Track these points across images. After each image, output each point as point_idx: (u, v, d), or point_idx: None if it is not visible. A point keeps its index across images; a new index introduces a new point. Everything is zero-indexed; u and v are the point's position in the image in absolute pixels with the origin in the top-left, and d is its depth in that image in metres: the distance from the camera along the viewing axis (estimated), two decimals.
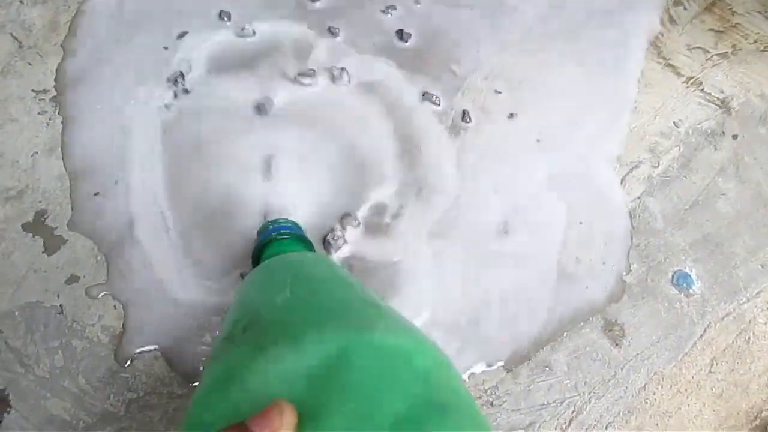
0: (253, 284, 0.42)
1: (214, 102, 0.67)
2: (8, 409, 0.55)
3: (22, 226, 0.61)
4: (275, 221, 0.57)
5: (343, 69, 0.69)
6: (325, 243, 0.61)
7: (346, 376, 0.27)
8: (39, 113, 0.65)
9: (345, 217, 0.62)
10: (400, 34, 0.72)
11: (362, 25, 0.73)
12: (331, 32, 0.72)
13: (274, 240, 0.53)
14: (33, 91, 0.66)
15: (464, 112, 0.69)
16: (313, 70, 0.68)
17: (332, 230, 0.62)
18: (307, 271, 0.43)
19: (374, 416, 0.24)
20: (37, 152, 0.63)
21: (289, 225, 0.57)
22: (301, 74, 0.68)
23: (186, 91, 0.66)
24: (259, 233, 0.57)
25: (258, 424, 0.21)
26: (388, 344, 0.29)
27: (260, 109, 0.66)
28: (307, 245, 0.56)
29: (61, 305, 0.58)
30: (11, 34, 0.69)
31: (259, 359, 0.28)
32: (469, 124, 0.69)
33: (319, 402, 0.25)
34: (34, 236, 0.60)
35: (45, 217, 0.61)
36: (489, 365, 0.60)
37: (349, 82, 0.69)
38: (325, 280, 0.41)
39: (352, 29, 0.73)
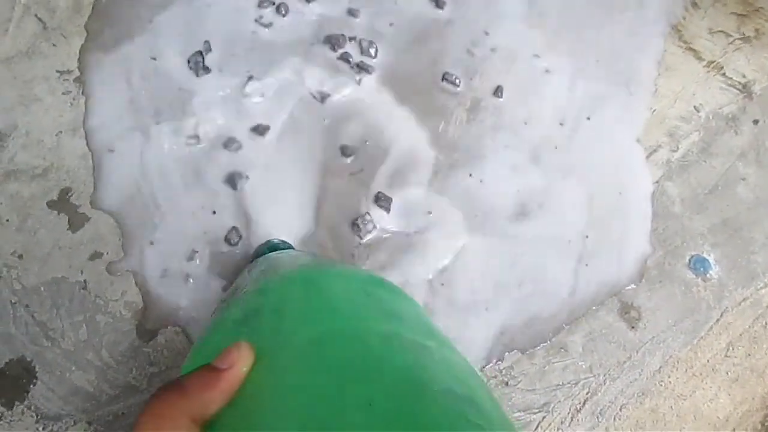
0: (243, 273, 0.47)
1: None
2: (34, 381, 0.56)
3: (47, 203, 0.62)
4: (269, 241, 0.62)
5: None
6: (354, 226, 0.62)
7: (300, 304, 0.29)
8: (63, 93, 0.66)
9: (378, 200, 0.63)
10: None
11: None
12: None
13: (263, 252, 0.59)
14: (57, 71, 0.67)
15: (498, 87, 0.70)
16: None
17: (363, 215, 0.62)
18: (281, 254, 0.49)
19: (326, 336, 0.26)
20: (61, 131, 0.64)
21: (278, 243, 0.62)
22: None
23: (207, 69, 0.67)
24: (253, 251, 0.62)
25: (219, 360, 0.24)
26: (339, 272, 0.32)
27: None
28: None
29: (84, 281, 0.59)
30: (36, 16, 0.70)
31: (230, 307, 0.32)
32: (501, 99, 0.70)
33: (277, 335, 0.27)
34: (59, 213, 0.61)
35: (69, 195, 0.62)
36: (505, 346, 0.60)
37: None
38: (291, 255, 0.48)
39: None
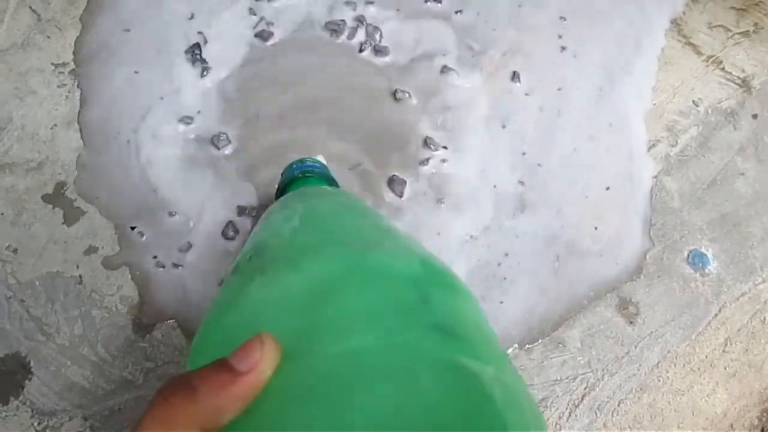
0: (266, 218, 0.41)
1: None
2: (30, 376, 0.56)
3: (42, 197, 0.61)
4: (301, 160, 0.55)
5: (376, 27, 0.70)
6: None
7: (341, 301, 0.24)
8: (58, 86, 0.66)
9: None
10: None
11: None
12: None
13: (296, 178, 0.52)
14: (52, 64, 0.67)
15: (514, 73, 0.70)
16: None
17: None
18: (320, 200, 0.41)
19: (366, 349, 0.22)
20: (56, 124, 0.64)
21: (315, 164, 0.54)
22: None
23: (204, 61, 0.66)
24: (282, 173, 0.55)
25: (238, 358, 0.20)
26: (389, 265, 0.27)
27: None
28: (332, 183, 0.54)
29: (80, 275, 0.59)
30: (30, 7, 0.69)
31: (256, 281, 0.27)
32: (518, 85, 0.70)
33: (310, 333, 0.23)
34: (53, 207, 0.61)
35: (64, 188, 0.62)
36: (503, 341, 0.60)
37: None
38: (337, 208, 0.39)
39: None
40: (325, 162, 0.57)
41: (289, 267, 0.27)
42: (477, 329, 0.26)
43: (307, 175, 0.52)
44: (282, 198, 0.45)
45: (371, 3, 0.71)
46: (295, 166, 0.54)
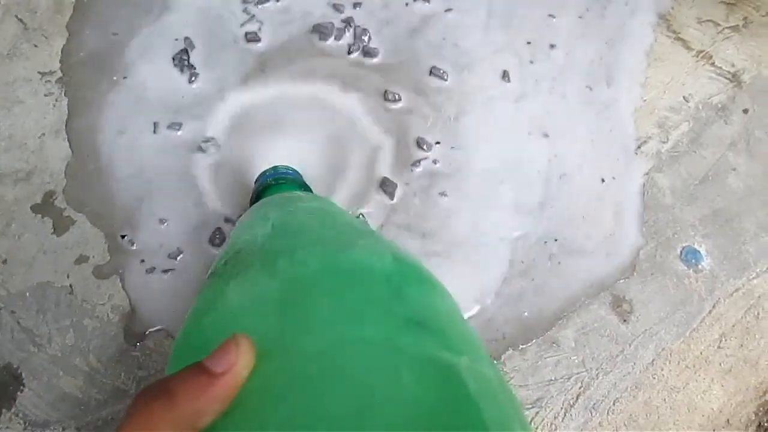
0: (240, 224, 0.42)
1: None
2: (22, 387, 0.56)
3: (31, 207, 0.61)
4: (274, 168, 0.55)
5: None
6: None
7: (316, 300, 0.25)
8: (45, 95, 0.65)
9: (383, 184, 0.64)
10: None
11: None
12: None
13: (270, 185, 0.52)
14: (39, 73, 0.66)
15: (504, 72, 0.70)
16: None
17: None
18: (293, 205, 0.41)
19: (342, 345, 0.22)
20: (44, 134, 0.64)
21: (288, 171, 0.55)
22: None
23: (192, 67, 0.66)
24: (256, 180, 0.55)
25: (214, 360, 0.20)
26: (362, 263, 0.28)
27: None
28: (306, 189, 0.55)
29: (71, 285, 0.59)
30: (16, 17, 0.69)
31: (231, 285, 0.28)
32: (509, 84, 0.70)
33: (286, 333, 0.23)
34: (43, 217, 0.61)
35: (53, 198, 0.61)
36: (495, 342, 0.60)
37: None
38: (310, 211, 0.40)
39: None
40: (297, 169, 0.58)
41: (263, 270, 0.28)
42: (450, 321, 0.26)
43: (280, 181, 0.53)
44: (256, 204, 0.46)
45: (359, 5, 0.71)
46: (268, 173, 0.54)
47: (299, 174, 0.57)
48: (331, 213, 0.39)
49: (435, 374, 0.21)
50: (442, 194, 0.64)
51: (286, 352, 0.22)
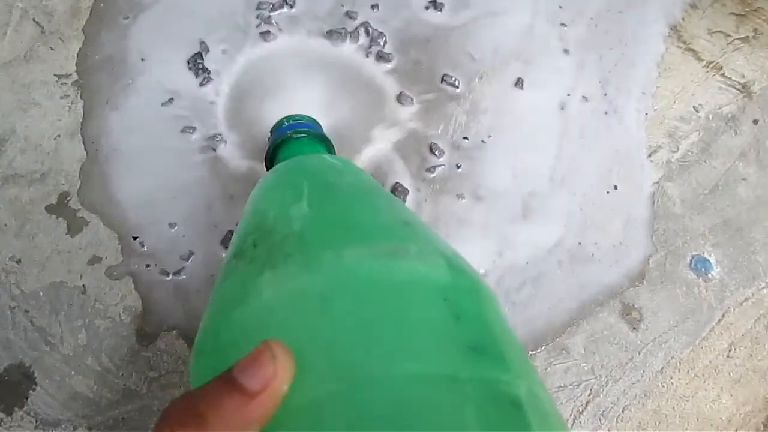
0: (265, 192, 0.37)
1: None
2: (34, 386, 0.56)
3: (46, 208, 0.62)
4: (290, 117, 0.50)
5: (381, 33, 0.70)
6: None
7: (368, 318, 0.22)
8: (61, 97, 0.66)
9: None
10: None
11: None
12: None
13: (289, 139, 0.48)
14: (55, 75, 0.67)
15: (518, 79, 0.71)
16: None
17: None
18: (326, 177, 0.36)
19: (402, 377, 0.20)
20: (59, 135, 0.64)
21: (308, 122, 0.50)
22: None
23: (207, 71, 0.67)
24: (272, 131, 0.50)
25: (248, 374, 0.18)
26: (417, 274, 0.25)
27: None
28: (328, 146, 0.50)
29: (84, 285, 0.59)
30: (34, 20, 0.70)
31: (266, 276, 0.25)
32: (521, 91, 0.70)
33: (329, 343, 0.21)
34: (57, 218, 0.61)
35: (68, 199, 0.62)
36: None
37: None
38: (347, 189, 0.35)
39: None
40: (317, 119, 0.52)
41: (305, 266, 0.25)
42: (505, 338, 0.25)
43: (300, 134, 0.48)
44: (279, 169, 0.40)
45: (375, 7, 0.71)
46: (285, 125, 0.49)
47: (319, 125, 0.51)
48: (376, 195, 0.34)
49: (499, 411, 0.20)
50: (460, 196, 0.64)
51: (332, 373, 0.20)
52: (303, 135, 0.48)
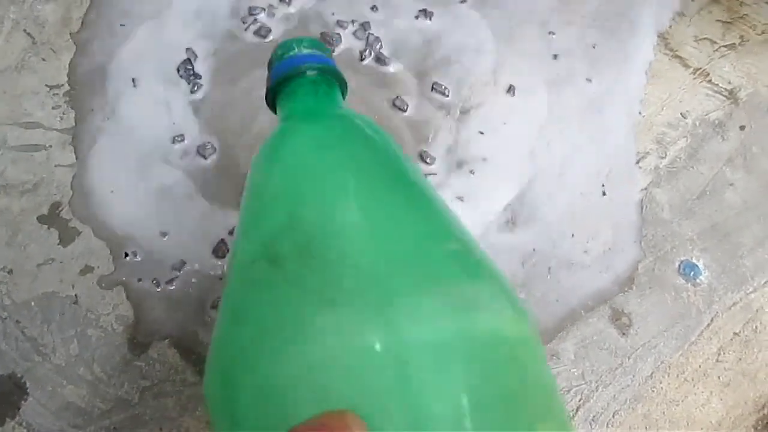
0: (291, 168, 0.29)
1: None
2: (26, 397, 0.56)
3: (38, 218, 0.62)
4: (300, 41, 0.39)
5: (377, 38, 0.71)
6: None
7: (445, 382, 0.19)
8: (53, 108, 0.66)
9: None
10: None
11: None
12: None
13: (301, 75, 0.37)
14: (47, 86, 0.67)
15: (510, 86, 0.71)
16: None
17: None
18: (370, 166, 0.29)
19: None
20: (51, 146, 0.64)
21: (322, 53, 0.39)
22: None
23: (198, 75, 0.67)
24: (272, 62, 0.40)
25: None
26: (494, 331, 0.21)
27: None
28: (344, 87, 0.40)
29: (76, 295, 0.59)
30: (24, 30, 0.70)
31: (327, 316, 0.20)
32: (514, 97, 0.71)
33: (407, 415, 0.18)
34: (49, 228, 0.61)
35: (60, 209, 0.62)
36: None
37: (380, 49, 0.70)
38: (397, 186, 0.28)
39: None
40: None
41: (376, 317, 0.20)
42: (557, 403, 0.23)
43: (308, 71, 0.38)
44: (305, 137, 0.32)
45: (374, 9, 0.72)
46: (295, 51, 0.38)
47: (327, 50, 0.41)
48: (428, 194, 0.28)
49: None
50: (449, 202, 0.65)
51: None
52: (312, 71, 0.38)
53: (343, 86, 0.40)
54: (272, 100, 0.40)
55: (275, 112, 0.41)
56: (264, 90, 0.40)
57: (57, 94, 0.67)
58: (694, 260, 0.66)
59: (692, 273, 0.65)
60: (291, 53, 0.38)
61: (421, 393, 0.18)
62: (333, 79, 0.39)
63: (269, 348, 0.20)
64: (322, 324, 0.20)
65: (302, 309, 0.21)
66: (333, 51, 0.70)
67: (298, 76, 0.37)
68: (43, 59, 0.69)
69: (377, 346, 0.19)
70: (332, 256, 0.22)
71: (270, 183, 0.29)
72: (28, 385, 0.56)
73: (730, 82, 0.75)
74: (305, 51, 0.38)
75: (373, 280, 0.21)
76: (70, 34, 0.70)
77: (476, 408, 0.19)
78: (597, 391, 0.60)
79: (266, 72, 0.42)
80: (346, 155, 0.29)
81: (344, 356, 0.19)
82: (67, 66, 0.69)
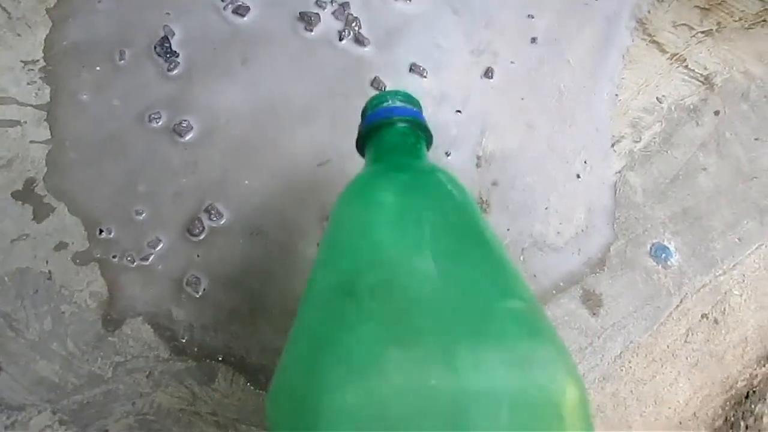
0: (374, 211, 0.31)
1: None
2: None
3: (12, 194, 0.62)
4: (394, 93, 0.43)
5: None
6: None
7: (490, 422, 0.21)
8: (28, 83, 0.66)
9: None
10: None
11: None
12: None
13: (392, 125, 0.41)
14: (22, 61, 0.67)
15: (487, 69, 0.71)
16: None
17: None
18: (448, 219, 0.31)
19: None
20: (26, 122, 0.64)
21: (413, 106, 0.43)
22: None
23: (175, 53, 0.67)
24: (365, 110, 0.44)
25: None
26: (544, 390, 0.22)
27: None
28: (430, 140, 0.43)
29: (49, 271, 0.59)
30: (0, 6, 0.69)
31: (394, 353, 0.22)
32: (492, 80, 0.71)
33: None
34: (23, 204, 0.61)
35: (34, 185, 0.62)
36: None
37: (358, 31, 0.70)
38: (470, 241, 0.30)
39: None
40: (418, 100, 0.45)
41: (439, 360, 0.22)
42: None
43: (399, 122, 0.41)
44: (391, 185, 0.34)
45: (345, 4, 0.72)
46: (389, 103, 0.42)
47: (419, 105, 0.44)
48: (500, 258, 0.29)
49: None
50: None
51: None
52: (403, 123, 0.41)
53: (429, 139, 0.43)
54: (362, 145, 0.43)
55: (363, 156, 0.44)
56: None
57: (32, 69, 0.67)
58: (666, 243, 0.67)
59: (663, 255, 0.66)
60: (385, 104, 0.42)
61: None
62: (421, 133, 0.42)
63: (342, 376, 0.22)
64: (388, 359, 0.21)
65: (373, 343, 0.22)
66: (312, 31, 0.70)
67: (389, 126, 0.41)
68: (19, 35, 0.68)
69: (438, 391, 0.21)
70: (404, 297, 0.24)
71: (354, 221, 0.31)
72: (1, 359, 0.56)
73: (706, 68, 0.76)
74: (398, 104, 0.42)
75: (439, 326, 0.23)
76: (47, 9, 0.69)
77: None
78: None
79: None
80: (427, 206, 0.31)
81: (408, 394, 0.21)
82: (43, 42, 0.68)
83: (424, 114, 0.44)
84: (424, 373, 0.21)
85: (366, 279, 0.26)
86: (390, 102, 0.42)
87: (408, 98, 0.43)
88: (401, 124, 0.41)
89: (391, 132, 0.41)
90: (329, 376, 0.22)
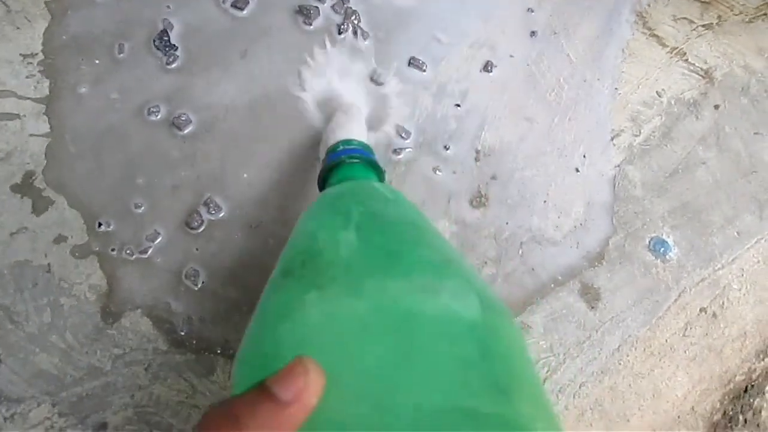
0: (315, 214, 0.38)
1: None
2: None
3: (11, 187, 0.62)
4: (346, 141, 0.52)
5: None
6: None
7: (400, 346, 0.23)
8: (27, 77, 0.66)
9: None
10: None
11: None
12: None
13: (342, 163, 0.49)
14: (21, 55, 0.67)
15: (487, 62, 0.71)
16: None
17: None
18: (375, 206, 0.38)
19: (427, 414, 0.21)
20: (25, 115, 0.64)
21: (362, 149, 0.52)
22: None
23: (174, 47, 0.67)
24: (326, 153, 0.52)
25: (281, 385, 0.20)
26: (450, 311, 0.26)
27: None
28: (379, 174, 0.51)
29: (49, 264, 0.59)
30: None
31: (312, 295, 0.26)
32: (491, 74, 0.71)
33: (361, 367, 0.22)
34: (22, 197, 0.61)
35: (33, 178, 0.62)
36: None
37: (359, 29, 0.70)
38: (394, 220, 0.36)
39: None
40: (369, 144, 0.55)
41: (349, 292, 0.26)
42: (528, 379, 0.25)
43: (353, 159, 0.50)
44: (331, 194, 0.42)
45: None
46: (340, 149, 0.51)
47: (372, 151, 0.53)
48: (422, 229, 0.35)
49: None
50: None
51: (365, 397, 0.21)
52: (356, 160, 0.50)
53: (380, 174, 0.51)
54: (322, 183, 0.51)
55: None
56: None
57: (31, 63, 0.66)
58: (665, 237, 0.67)
59: (662, 249, 0.66)
60: (339, 148, 0.52)
61: (372, 350, 0.23)
62: (369, 166, 0.50)
63: (269, 329, 0.26)
64: (308, 301, 0.26)
65: (297, 295, 0.27)
66: (311, 24, 0.70)
67: (342, 163, 0.49)
68: (18, 28, 0.68)
69: (346, 313, 0.25)
70: (325, 260, 0.29)
71: (299, 228, 0.37)
72: (1, 352, 0.57)
73: (706, 62, 0.76)
74: (351, 147, 0.52)
75: (352, 271, 0.28)
76: (45, 2, 0.69)
77: (416, 366, 0.23)
78: (564, 363, 0.61)
79: None
80: (358, 201, 0.38)
81: (321, 323, 0.25)
82: (42, 35, 0.68)
83: (375, 155, 0.54)
84: (334, 304, 0.25)
85: (299, 257, 0.31)
86: (342, 147, 0.52)
87: (359, 143, 0.53)
88: (350, 160, 0.50)
89: (342, 166, 0.49)
90: (274, 321, 0.26)
